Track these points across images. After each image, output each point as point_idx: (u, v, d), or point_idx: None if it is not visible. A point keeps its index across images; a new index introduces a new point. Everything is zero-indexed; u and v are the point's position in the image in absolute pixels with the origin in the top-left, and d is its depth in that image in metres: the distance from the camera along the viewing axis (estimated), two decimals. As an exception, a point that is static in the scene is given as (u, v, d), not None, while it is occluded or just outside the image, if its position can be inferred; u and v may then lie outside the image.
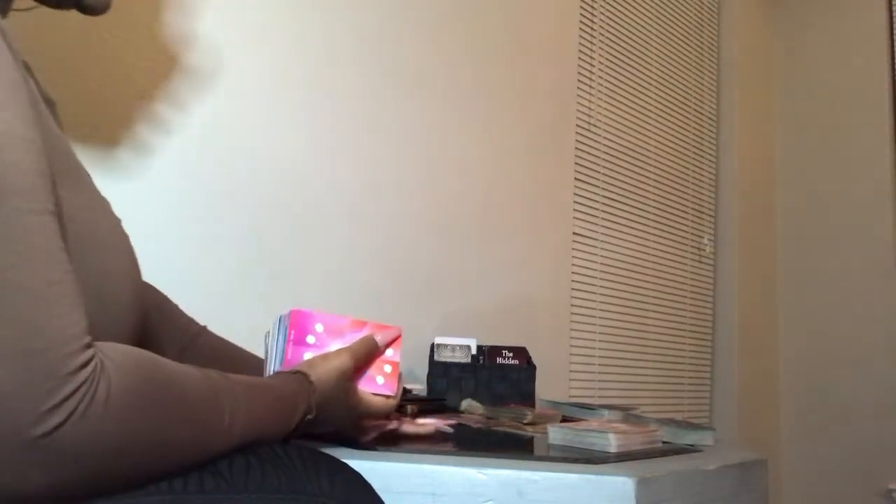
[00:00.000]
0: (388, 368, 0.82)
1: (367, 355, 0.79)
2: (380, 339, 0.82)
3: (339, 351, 0.76)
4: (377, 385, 0.81)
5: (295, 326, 0.79)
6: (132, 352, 0.52)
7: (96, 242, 0.61)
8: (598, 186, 2.20)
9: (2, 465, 0.44)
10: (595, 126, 2.20)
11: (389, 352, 0.83)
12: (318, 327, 0.80)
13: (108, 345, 0.50)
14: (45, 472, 0.45)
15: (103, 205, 0.67)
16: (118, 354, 0.50)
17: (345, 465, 0.63)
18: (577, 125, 2.12)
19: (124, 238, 0.68)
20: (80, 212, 0.59)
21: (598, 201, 2.19)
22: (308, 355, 0.77)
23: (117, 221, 0.69)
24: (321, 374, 0.71)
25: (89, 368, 0.46)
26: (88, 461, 0.46)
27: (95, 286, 0.56)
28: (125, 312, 0.64)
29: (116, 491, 0.51)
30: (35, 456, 0.44)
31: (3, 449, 0.43)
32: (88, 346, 0.47)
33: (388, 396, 0.82)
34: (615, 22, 2.32)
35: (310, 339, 0.79)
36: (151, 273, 1.12)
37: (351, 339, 0.80)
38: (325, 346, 0.79)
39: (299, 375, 0.69)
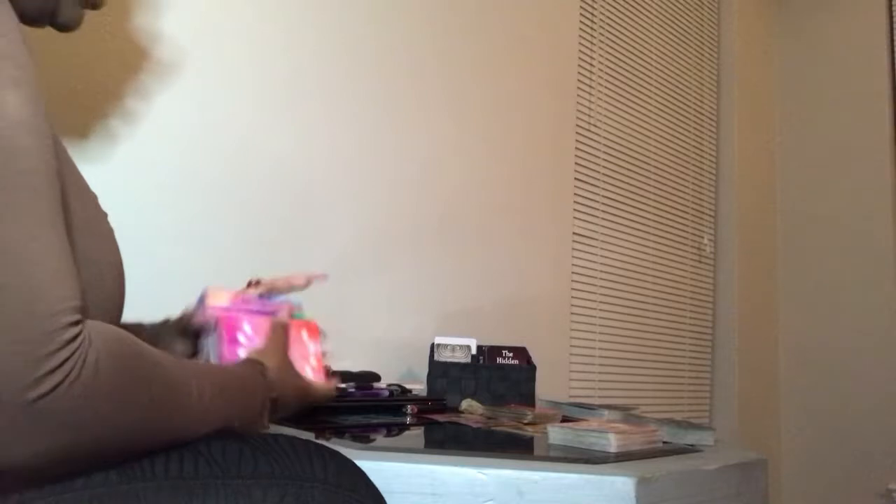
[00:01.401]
0: (314, 362, 0.87)
1: (285, 333, 0.83)
2: (283, 316, 0.85)
3: (266, 340, 0.80)
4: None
5: (226, 327, 0.83)
6: (111, 326, 0.54)
7: (87, 233, 0.63)
8: (598, 186, 2.20)
9: None
10: (595, 126, 2.20)
11: (312, 346, 0.87)
12: (247, 328, 0.84)
13: (91, 321, 0.52)
14: (39, 437, 0.46)
15: (93, 198, 0.70)
16: (101, 326, 0.52)
17: (336, 452, 0.64)
18: (577, 125, 2.12)
19: (111, 232, 0.71)
20: (73, 202, 0.61)
21: (598, 201, 2.19)
22: (241, 352, 0.81)
23: (104, 216, 0.71)
24: (266, 358, 0.74)
25: (80, 337, 0.48)
26: (80, 426, 0.48)
27: (84, 274, 0.58)
28: (109, 301, 0.66)
29: (107, 459, 0.52)
30: (29, 419, 0.45)
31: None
32: (80, 319, 0.49)
33: None
34: (615, 22, 2.32)
35: (240, 337, 0.84)
36: (146, 270, 1.12)
37: None
38: (254, 343, 0.84)
39: (249, 361, 0.73)
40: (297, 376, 0.80)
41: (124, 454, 0.53)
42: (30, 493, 0.50)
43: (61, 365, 0.46)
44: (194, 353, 0.88)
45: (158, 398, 0.54)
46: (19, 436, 0.45)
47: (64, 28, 0.73)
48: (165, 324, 0.90)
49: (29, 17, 0.68)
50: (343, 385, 1.19)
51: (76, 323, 0.48)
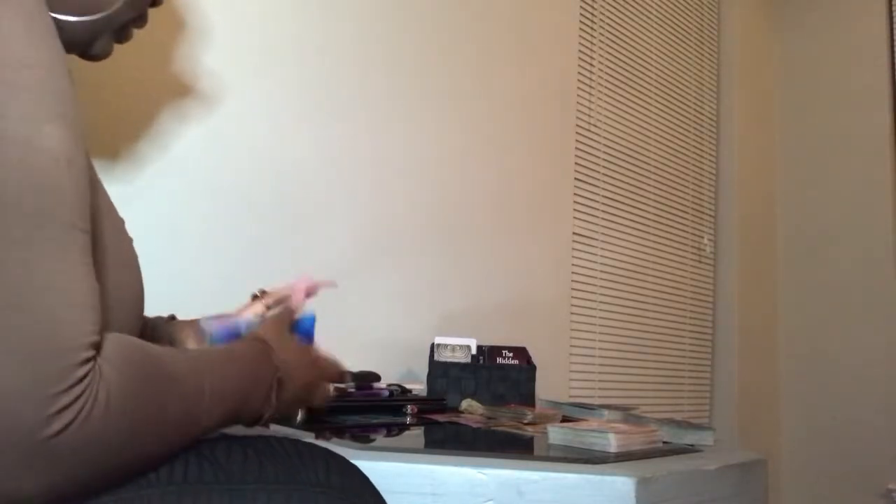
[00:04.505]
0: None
1: (283, 319, 0.81)
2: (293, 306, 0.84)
3: (265, 324, 0.78)
4: None
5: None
6: (122, 344, 0.52)
7: (115, 263, 0.63)
8: (598, 186, 2.20)
9: (4, 467, 0.44)
10: (595, 126, 2.20)
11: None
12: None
13: (106, 339, 0.51)
14: (45, 475, 0.45)
15: (120, 225, 0.70)
16: (113, 349, 0.51)
17: (340, 456, 0.64)
18: (577, 125, 2.12)
19: (135, 258, 0.71)
20: (104, 233, 0.62)
21: (598, 201, 2.19)
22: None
23: (130, 241, 0.71)
24: (270, 335, 0.72)
25: (92, 373, 0.47)
26: (87, 464, 0.47)
27: (106, 301, 0.57)
28: (127, 326, 0.66)
29: (111, 487, 0.52)
30: (37, 459, 0.44)
31: (7, 450, 0.44)
32: (93, 356, 0.48)
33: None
34: (615, 22, 2.32)
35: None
36: (153, 275, 1.12)
37: None
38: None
39: (253, 339, 0.70)
40: (303, 352, 0.77)
41: (140, 472, 0.53)
42: None
43: (73, 403, 0.45)
44: None
45: (174, 416, 0.54)
46: (32, 473, 0.45)
47: (93, 59, 0.74)
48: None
49: (66, 46, 0.69)
50: (343, 385, 1.18)
51: (89, 360, 0.47)
